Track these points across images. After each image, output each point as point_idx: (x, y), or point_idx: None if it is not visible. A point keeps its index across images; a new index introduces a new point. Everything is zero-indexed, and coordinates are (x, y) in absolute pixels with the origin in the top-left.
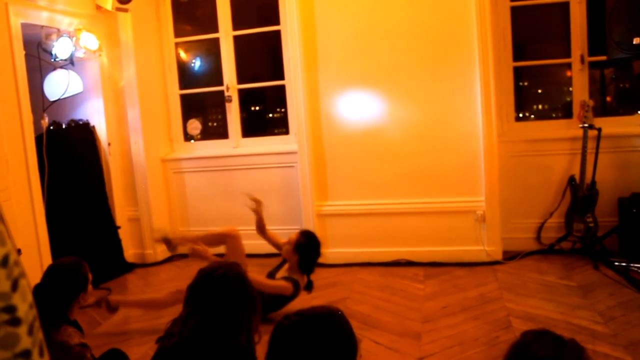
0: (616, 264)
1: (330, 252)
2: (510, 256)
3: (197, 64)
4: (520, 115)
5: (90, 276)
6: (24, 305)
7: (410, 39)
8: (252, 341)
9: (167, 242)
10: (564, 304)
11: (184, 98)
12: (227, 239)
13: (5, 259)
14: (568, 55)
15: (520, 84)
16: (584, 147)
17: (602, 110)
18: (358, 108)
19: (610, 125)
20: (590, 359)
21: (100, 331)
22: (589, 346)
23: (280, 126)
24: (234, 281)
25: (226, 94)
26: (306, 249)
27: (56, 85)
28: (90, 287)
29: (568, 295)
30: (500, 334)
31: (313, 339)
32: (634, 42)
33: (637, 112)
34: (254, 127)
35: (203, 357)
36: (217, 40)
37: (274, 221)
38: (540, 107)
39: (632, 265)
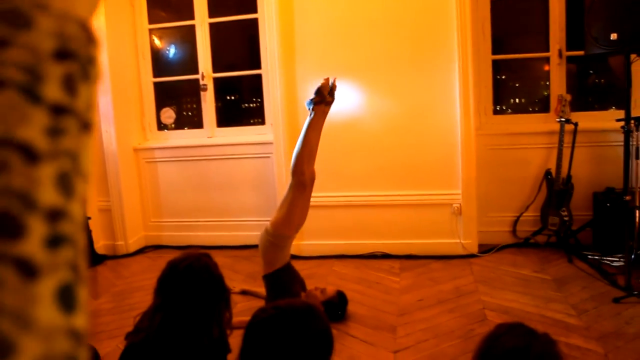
0: (590, 257)
1: (305, 244)
2: (486, 249)
3: (171, 51)
4: (499, 108)
5: None
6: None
7: (390, 30)
8: (225, 334)
9: None
10: (539, 297)
11: (158, 86)
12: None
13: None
14: (546, 49)
15: (499, 77)
16: (561, 142)
17: (579, 104)
18: (336, 99)
19: (587, 120)
20: (561, 352)
21: None
22: (562, 339)
23: (256, 116)
24: (201, 273)
25: (201, 82)
26: (331, 309)
27: None
28: None
29: (542, 289)
30: (475, 326)
31: (289, 333)
32: (611, 38)
33: (612, 108)
34: (229, 116)
35: (173, 352)
36: (192, 27)
37: (248, 212)
38: (518, 100)
39: (605, 258)
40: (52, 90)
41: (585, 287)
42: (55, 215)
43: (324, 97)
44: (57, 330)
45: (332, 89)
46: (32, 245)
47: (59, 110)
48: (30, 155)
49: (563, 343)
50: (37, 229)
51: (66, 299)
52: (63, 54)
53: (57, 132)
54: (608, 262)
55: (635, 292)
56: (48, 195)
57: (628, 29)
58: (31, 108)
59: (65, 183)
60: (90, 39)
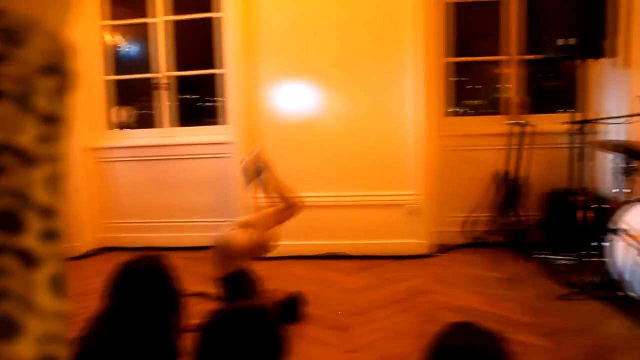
0: (541, 256)
1: None
2: (441, 249)
3: (129, 48)
4: (454, 110)
5: None
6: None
7: (349, 32)
8: (178, 337)
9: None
10: (492, 296)
11: (115, 84)
12: (292, 208)
13: None
14: (502, 53)
15: (456, 79)
16: (514, 144)
17: (533, 107)
18: (295, 100)
19: (539, 122)
20: (509, 349)
21: None
22: (513, 336)
23: (216, 116)
24: (154, 275)
25: (160, 81)
26: (287, 311)
27: None
28: None
29: (496, 288)
30: (428, 326)
31: (244, 335)
32: (565, 44)
33: (564, 111)
34: (188, 116)
35: (125, 356)
36: (152, 25)
37: (206, 213)
38: (474, 102)
39: (555, 257)
40: (42, 102)
41: (535, 286)
42: (48, 213)
43: (257, 174)
44: (52, 313)
45: (258, 162)
46: (32, 239)
47: (48, 120)
48: (26, 159)
49: (514, 341)
50: (34, 225)
51: (57, 286)
52: (50, 69)
53: (46, 139)
54: (558, 261)
55: (582, 290)
56: (42, 195)
57: (581, 36)
58: (25, 117)
59: (54, 184)
60: (70, 54)
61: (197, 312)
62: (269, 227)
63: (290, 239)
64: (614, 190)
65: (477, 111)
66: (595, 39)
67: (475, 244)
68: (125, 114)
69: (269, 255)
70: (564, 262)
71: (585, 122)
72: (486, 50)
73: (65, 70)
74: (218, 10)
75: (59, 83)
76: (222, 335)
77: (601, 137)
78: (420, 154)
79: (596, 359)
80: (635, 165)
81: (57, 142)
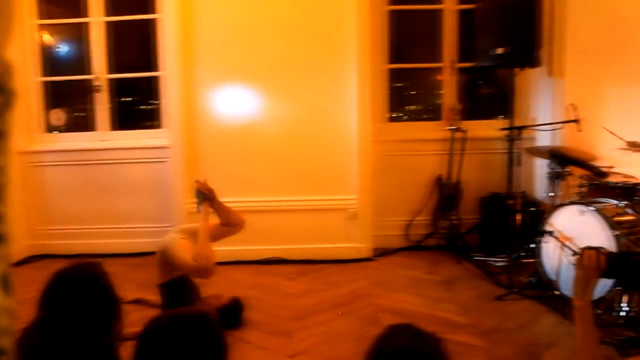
0: (477, 258)
1: None
2: (380, 253)
3: (63, 49)
4: (394, 115)
5: None
6: None
7: (290, 37)
8: (115, 345)
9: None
10: (430, 297)
11: (48, 86)
12: (235, 226)
13: None
14: (440, 60)
15: (396, 85)
16: (451, 149)
17: (469, 113)
18: (235, 103)
19: (475, 128)
20: (446, 350)
21: None
22: (450, 336)
23: (153, 119)
24: (89, 283)
25: (95, 83)
26: (227, 316)
27: None
28: None
29: (433, 289)
30: (369, 329)
31: (183, 342)
32: (498, 52)
33: (499, 117)
34: (124, 119)
35: None
36: (87, 24)
37: (143, 219)
38: (413, 108)
39: (490, 259)
40: None
41: (472, 287)
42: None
43: (210, 196)
44: (2, 308)
45: (206, 185)
46: None
47: None
48: None
49: (450, 340)
50: None
51: (6, 284)
52: None
53: None
54: (493, 262)
55: (516, 290)
56: None
57: (514, 45)
58: None
59: (2, 191)
60: (11, 74)
61: (136, 319)
62: (210, 241)
63: (230, 244)
64: (545, 194)
65: (417, 117)
66: (527, 48)
67: (414, 247)
68: (59, 116)
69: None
70: (499, 263)
71: (518, 128)
72: (425, 57)
73: (9, 89)
74: (156, 12)
75: (3, 101)
76: (161, 343)
77: (533, 143)
78: (361, 158)
79: (530, 356)
80: (564, 169)
81: (3, 154)
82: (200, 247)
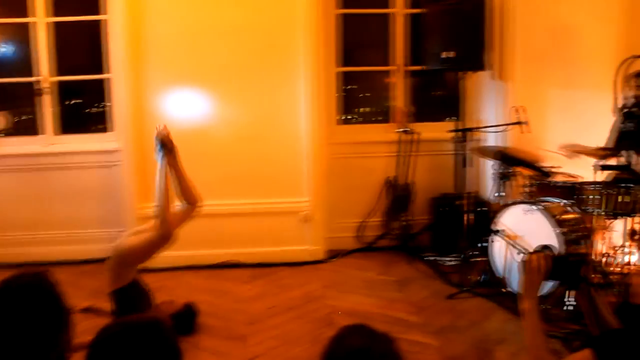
0: (428, 258)
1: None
2: (333, 255)
3: (7, 50)
4: (345, 118)
5: None
6: None
7: (239, 40)
8: (66, 357)
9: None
10: (383, 298)
11: None
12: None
13: None
14: (390, 63)
15: (347, 88)
16: (402, 150)
17: (419, 116)
18: (185, 106)
19: (425, 130)
20: (399, 349)
21: None
22: (403, 336)
23: (101, 123)
24: (37, 292)
25: (39, 85)
26: (180, 322)
27: None
28: None
29: (386, 290)
30: (323, 330)
31: (135, 349)
32: (446, 56)
33: (448, 119)
34: (71, 123)
35: None
36: (31, 25)
37: (92, 224)
38: (363, 110)
39: (441, 259)
40: None
41: (424, 287)
42: None
43: (170, 145)
44: None
45: (169, 136)
46: None
47: None
48: None
49: (403, 340)
50: None
51: None
52: None
53: None
54: (445, 262)
55: (467, 288)
56: None
57: (461, 49)
58: None
59: None
60: None
61: (86, 328)
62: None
63: (182, 249)
64: (493, 194)
65: (367, 119)
66: (473, 52)
67: (367, 249)
68: (3, 119)
69: (161, 266)
70: (450, 262)
71: (466, 130)
72: (375, 60)
73: None
74: (104, 13)
75: None
76: (113, 351)
77: (481, 144)
78: (313, 161)
79: (482, 352)
80: (511, 170)
81: None
82: (160, 208)
